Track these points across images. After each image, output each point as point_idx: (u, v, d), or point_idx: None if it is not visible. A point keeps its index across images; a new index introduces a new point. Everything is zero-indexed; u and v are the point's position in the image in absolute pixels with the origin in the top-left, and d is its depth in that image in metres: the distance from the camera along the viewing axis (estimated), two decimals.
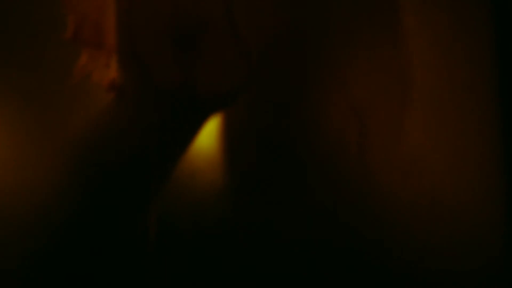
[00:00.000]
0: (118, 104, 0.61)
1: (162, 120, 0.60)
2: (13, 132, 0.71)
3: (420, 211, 0.71)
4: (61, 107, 0.71)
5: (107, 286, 0.61)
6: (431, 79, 0.72)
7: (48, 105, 0.71)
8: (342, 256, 0.71)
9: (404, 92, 0.72)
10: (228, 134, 0.73)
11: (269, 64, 0.68)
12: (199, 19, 0.60)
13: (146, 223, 0.62)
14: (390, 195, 0.71)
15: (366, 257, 0.71)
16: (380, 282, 0.71)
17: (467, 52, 0.73)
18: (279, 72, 0.73)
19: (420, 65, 0.72)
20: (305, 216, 0.72)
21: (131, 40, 0.59)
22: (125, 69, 0.60)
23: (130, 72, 0.59)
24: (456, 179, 0.72)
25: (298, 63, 0.72)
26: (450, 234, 0.71)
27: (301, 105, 0.72)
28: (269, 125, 0.73)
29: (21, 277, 0.64)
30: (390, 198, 0.71)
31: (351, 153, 0.71)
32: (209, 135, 0.74)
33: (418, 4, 0.73)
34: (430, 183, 0.71)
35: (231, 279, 0.72)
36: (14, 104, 0.72)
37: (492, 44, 0.74)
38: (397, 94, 0.72)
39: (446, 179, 0.72)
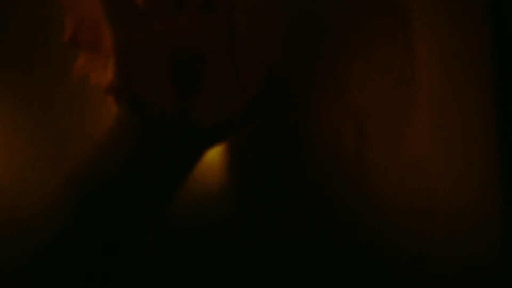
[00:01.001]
0: (118, 133, 0.61)
1: (160, 151, 0.60)
2: (11, 132, 0.72)
3: (419, 213, 0.71)
4: (59, 108, 0.72)
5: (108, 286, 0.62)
6: (430, 83, 0.72)
7: (47, 106, 0.71)
8: (341, 258, 0.71)
9: (403, 95, 0.72)
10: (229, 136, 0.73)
11: (269, 92, 0.68)
12: (198, 51, 0.60)
13: (146, 226, 0.62)
14: (388, 197, 0.71)
15: (365, 259, 0.71)
16: (379, 283, 0.71)
17: (466, 56, 0.73)
18: (278, 77, 0.73)
19: (419, 69, 0.72)
20: (305, 218, 0.72)
21: (129, 73, 0.58)
22: (123, 101, 0.59)
23: (128, 104, 0.59)
24: (455, 181, 0.72)
25: (297, 66, 0.72)
26: (449, 236, 0.71)
27: (299, 108, 0.72)
28: (269, 128, 0.73)
29: (20, 279, 0.64)
30: (388, 201, 0.71)
31: (349, 156, 0.71)
32: None
33: (417, 8, 0.73)
34: (429, 185, 0.71)
35: (231, 280, 0.72)
36: (12, 105, 0.72)
37: (491, 48, 0.73)
38: (395, 97, 0.72)
39: (445, 182, 0.72)
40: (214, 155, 0.73)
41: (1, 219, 0.71)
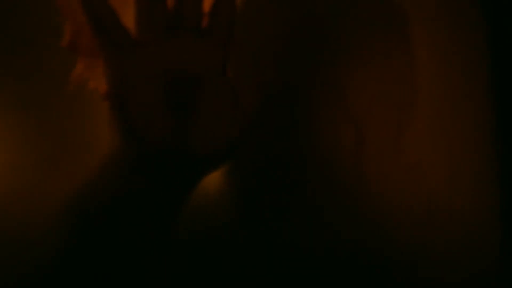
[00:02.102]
0: (114, 162, 0.61)
1: (157, 180, 0.60)
2: (10, 137, 0.72)
3: (417, 218, 0.71)
4: (58, 113, 0.72)
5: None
6: (429, 86, 0.72)
7: (46, 111, 0.71)
8: (339, 262, 0.71)
9: (402, 99, 0.72)
10: None
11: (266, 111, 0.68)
12: (193, 75, 0.59)
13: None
14: (386, 201, 0.71)
15: (363, 264, 0.71)
16: (376, 286, 0.71)
17: (465, 60, 0.73)
18: (276, 79, 0.73)
19: (418, 72, 0.72)
20: (303, 221, 0.72)
21: (123, 98, 0.58)
22: (117, 127, 0.59)
23: (123, 131, 0.59)
24: (453, 185, 0.72)
25: (296, 69, 0.72)
26: (447, 241, 0.71)
27: (298, 111, 0.72)
28: (267, 131, 0.73)
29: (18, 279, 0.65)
30: (386, 205, 0.71)
31: (347, 160, 0.71)
32: None
33: (415, 10, 0.73)
34: (427, 189, 0.71)
35: (231, 284, 0.72)
36: (11, 109, 0.72)
37: (490, 51, 0.73)
38: (394, 101, 0.72)
39: (443, 186, 0.72)
40: None
41: (1, 220, 0.71)
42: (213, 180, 0.73)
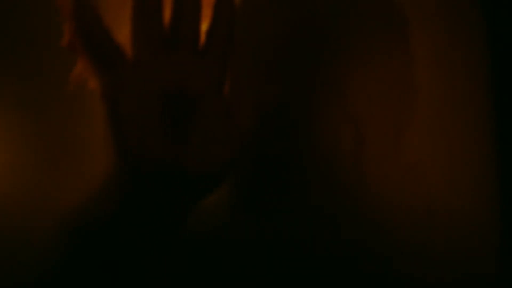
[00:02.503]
0: (110, 183, 0.61)
1: (154, 201, 0.59)
2: (9, 137, 0.72)
3: (417, 218, 0.71)
4: (57, 112, 0.72)
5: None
6: (428, 87, 0.72)
7: (45, 111, 0.71)
8: (338, 262, 0.71)
9: (401, 100, 0.72)
10: None
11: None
12: (189, 94, 0.59)
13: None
14: (386, 202, 0.71)
15: (362, 264, 0.71)
16: (376, 287, 0.71)
17: (465, 61, 0.73)
18: (276, 79, 0.73)
19: (417, 73, 0.72)
20: (303, 221, 0.72)
21: (120, 120, 0.57)
22: (113, 146, 0.59)
23: (118, 150, 0.58)
24: (453, 186, 0.72)
25: (295, 70, 0.73)
26: (447, 242, 0.71)
27: (297, 112, 0.72)
28: (267, 130, 0.73)
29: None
30: (386, 205, 0.71)
31: (347, 161, 0.71)
32: None
33: (415, 12, 0.73)
34: (427, 190, 0.71)
35: (231, 282, 0.72)
36: (10, 109, 0.72)
37: (490, 53, 0.73)
38: (394, 102, 0.72)
39: (443, 187, 0.72)
40: None
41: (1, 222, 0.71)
42: None
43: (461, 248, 0.71)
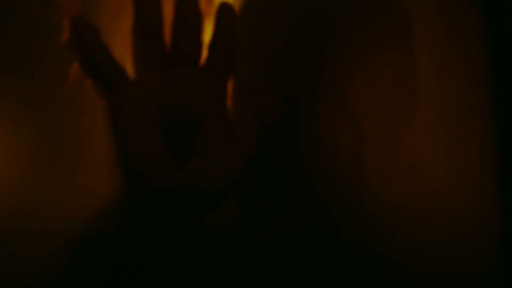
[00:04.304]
0: (115, 206, 0.60)
1: (159, 222, 0.59)
2: (8, 135, 0.72)
3: (416, 217, 0.71)
4: (56, 110, 0.72)
5: None
6: (429, 86, 0.72)
7: (44, 108, 0.71)
8: (339, 261, 0.71)
9: (402, 98, 0.72)
10: None
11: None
12: (192, 111, 0.58)
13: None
14: (386, 200, 0.71)
15: (362, 262, 0.71)
16: (375, 286, 0.71)
17: (465, 60, 0.73)
18: (276, 79, 0.73)
19: (418, 72, 0.72)
20: (302, 221, 0.72)
21: (123, 139, 0.57)
22: (117, 167, 0.58)
23: (121, 169, 0.58)
24: (453, 185, 0.72)
25: (296, 68, 0.72)
26: (447, 239, 0.71)
27: (297, 110, 0.72)
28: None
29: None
30: (386, 204, 0.71)
31: (347, 159, 0.71)
32: None
33: (416, 10, 0.73)
34: (427, 189, 0.71)
35: (232, 282, 0.72)
36: (9, 107, 0.72)
37: (490, 52, 0.73)
38: (394, 100, 0.72)
39: (443, 185, 0.72)
40: None
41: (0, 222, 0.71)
42: None
43: (461, 247, 0.71)
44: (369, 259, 0.71)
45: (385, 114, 0.72)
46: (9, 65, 0.71)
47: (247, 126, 0.59)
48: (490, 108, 0.73)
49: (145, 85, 0.57)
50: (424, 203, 0.71)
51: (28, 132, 0.71)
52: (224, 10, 0.60)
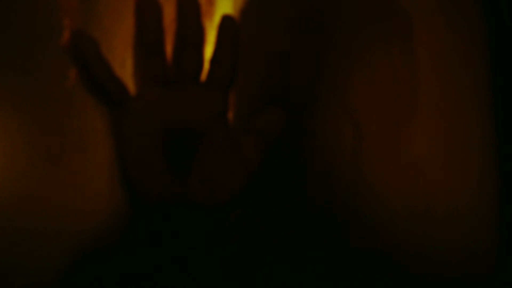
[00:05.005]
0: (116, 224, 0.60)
1: (162, 232, 0.58)
2: (8, 135, 0.72)
3: (415, 216, 0.71)
4: (56, 110, 0.72)
5: None
6: (428, 84, 0.72)
7: (44, 109, 0.71)
8: (338, 260, 0.71)
9: (401, 96, 0.72)
10: None
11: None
12: (193, 126, 0.57)
13: None
14: (384, 199, 0.71)
15: (360, 261, 0.71)
16: (374, 285, 0.71)
17: (465, 58, 0.73)
18: (276, 78, 0.73)
19: (417, 70, 0.72)
20: (302, 220, 0.72)
21: (124, 156, 0.56)
22: (118, 184, 0.57)
23: (122, 187, 0.57)
24: (452, 183, 0.72)
25: (296, 67, 0.72)
26: (445, 239, 0.71)
27: (297, 108, 0.72)
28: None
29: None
30: (384, 202, 0.71)
31: (346, 157, 0.71)
32: None
33: (415, 9, 0.73)
34: (425, 187, 0.71)
35: (232, 282, 0.72)
36: (9, 107, 0.72)
37: (490, 50, 0.73)
38: (393, 98, 0.72)
39: (442, 184, 0.72)
40: None
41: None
42: None
43: (461, 247, 0.71)
44: (369, 259, 0.71)
45: (385, 113, 0.71)
46: (9, 65, 0.71)
47: (250, 144, 0.59)
48: (490, 107, 0.73)
49: (147, 101, 0.57)
50: (424, 203, 0.71)
51: (28, 132, 0.71)
52: (226, 23, 0.59)
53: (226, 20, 0.59)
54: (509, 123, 0.73)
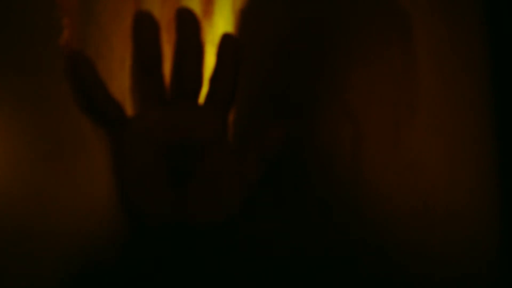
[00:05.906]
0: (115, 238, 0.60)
1: (161, 248, 0.58)
2: (8, 137, 0.72)
3: (414, 215, 0.71)
4: (56, 109, 0.72)
5: None
6: (428, 84, 0.72)
7: (43, 108, 0.71)
8: (337, 260, 0.71)
9: (400, 96, 0.72)
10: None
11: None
12: (193, 143, 0.57)
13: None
14: (384, 199, 0.71)
15: (360, 261, 0.71)
16: (374, 284, 0.71)
17: (464, 58, 0.73)
18: (275, 77, 0.73)
19: (417, 70, 0.72)
20: (301, 219, 0.72)
21: (123, 176, 0.56)
22: (118, 201, 0.57)
23: (122, 204, 0.57)
24: (452, 183, 0.72)
25: (295, 67, 0.73)
26: (445, 239, 0.71)
27: (296, 108, 0.72)
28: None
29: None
30: (384, 203, 0.71)
31: (345, 157, 0.71)
32: None
33: (415, 10, 0.73)
34: (425, 187, 0.71)
35: (232, 282, 0.72)
36: (8, 107, 0.72)
37: (490, 51, 0.73)
38: (393, 98, 0.72)
39: (441, 183, 0.72)
40: None
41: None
42: None
43: (461, 247, 0.71)
44: (369, 258, 0.71)
45: (384, 113, 0.72)
46: (9, 65, 0.71)
47: (250, 161, 0.58)
48: (490, 107, 0.73)
49: (145, 122, 0.57)
50: (422, 202, 0.71)
51: (28, 132, 0.71)
52: (227, 41, 0.58)
53: (227, 38, 0.58)
54: (509, 123, 0.73)
